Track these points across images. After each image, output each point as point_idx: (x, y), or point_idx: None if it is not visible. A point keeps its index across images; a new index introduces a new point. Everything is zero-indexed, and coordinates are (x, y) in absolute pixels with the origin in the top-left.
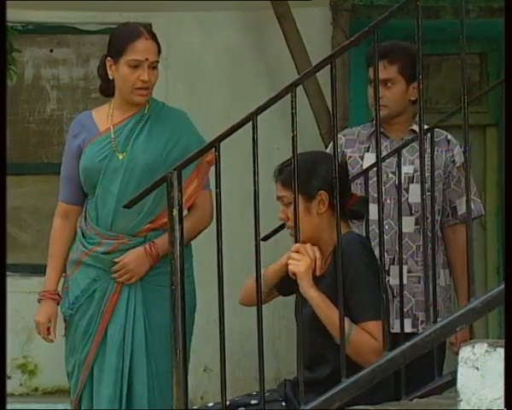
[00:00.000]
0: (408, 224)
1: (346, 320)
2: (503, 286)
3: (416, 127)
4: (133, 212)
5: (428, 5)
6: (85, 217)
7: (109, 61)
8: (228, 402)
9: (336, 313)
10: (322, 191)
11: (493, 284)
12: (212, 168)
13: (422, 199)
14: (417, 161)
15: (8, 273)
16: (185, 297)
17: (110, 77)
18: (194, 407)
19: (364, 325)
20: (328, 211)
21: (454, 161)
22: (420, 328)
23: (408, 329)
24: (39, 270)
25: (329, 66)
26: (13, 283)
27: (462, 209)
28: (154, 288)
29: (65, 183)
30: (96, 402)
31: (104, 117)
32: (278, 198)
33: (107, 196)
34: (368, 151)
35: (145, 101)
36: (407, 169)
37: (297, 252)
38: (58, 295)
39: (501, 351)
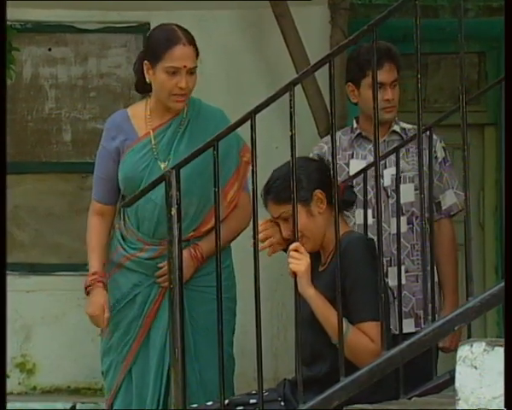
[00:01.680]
0: (401, 224)
1: (344, 321)
2: (501, 285)
3: (396, 128)
4: None
5: (427, 4)
6: (124, 220)
7: (146, 64)
8: (226, 401)
9: (334, 313)
10: (317, 191)
11: (491, 283)
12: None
13: (421, 197)
14: (402, 162)
15: (6, 272)
16: (227, 299)
17: (147, 80)
18: (193, 406)
19: (362, 326)
20: (328, 208)
21: (436, 157)
22: (423, 326)
23: (411, 328)
24: (38, 269)
25: (328, 65)
26: (11, 282)
27: (445, 204)
28: (198, 289)
29: (100, 183)
30: (136, 405)
31: (141, 119)
32: (276, 218)
33: (148, 204)
34: (352, 158)
35: (183, 106)
36: (392, 170)
37: (296, 251)
38: (104, 275)
39: (499, 350)
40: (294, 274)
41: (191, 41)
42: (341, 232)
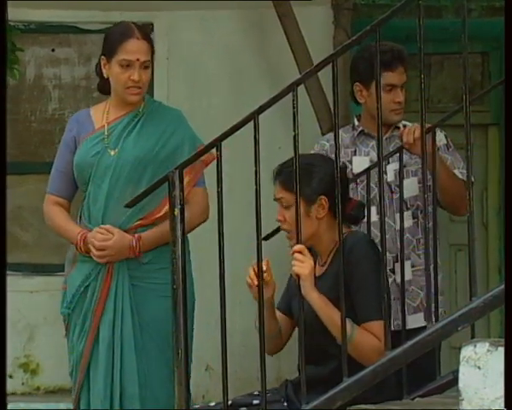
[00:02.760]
0: (405, 219)
1: (348, 322)
2: (504, 285)
3: (414, 125)
4: (122, 207)
5: (430, 4)
6: (80, 217)
7: (103, 59)
8: (230, 402)
9: (338, 315)
10: (322, 196)
11: (495, 284)
12: (212, 168)
13: (424, 194)
14: (405, 156)
15: (9, 273)
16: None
17: (105, 76)
18: (196, 407)
19: (368, 325)
20: (328, 215)
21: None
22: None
23: (421, 323)
24: (41, 269)
25: (331, 65)
26: (14, 282)
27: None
28: (145, 285)
29: (57, 176)
30: (92, 402)
31: (100, 114)
32: (276, 199)
33: (98, 192)
34: (355, 155)
35: (138, 99)
36: (396, 165)
37: (300, 253)
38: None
39: (503, 350)
40: (298, 277)
41: (145, 36)
42: (344, 232)
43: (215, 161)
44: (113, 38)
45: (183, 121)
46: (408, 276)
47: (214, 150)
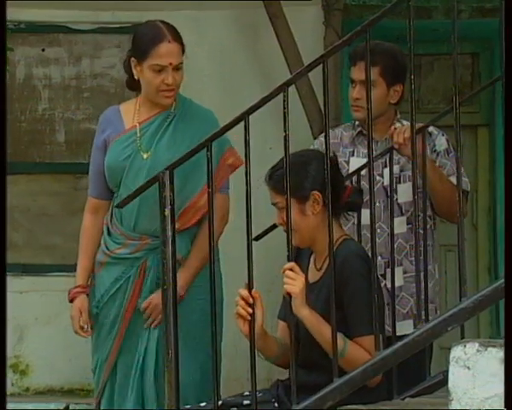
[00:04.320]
0: (400, 224)
1: (340, 336)
2: (494, 286)
3: (398, 126)
4: (155, 212)
5: (420, 5)
6: (111, 214)
7: (133, 61)
8: (220, 402)
9: (329, 330)
10: (314, 192)
11: (484, 284)
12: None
13: (414, 198)
14: (402, 160)
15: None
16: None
17: (136, 77)
18: (187, 407)
19: (360, 340)
20: (323, 210)
21: (435, 150)
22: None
23: (410, 330)
24: (31, 269)
25: (321, 65)
26: None
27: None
28: (188, 300)
29: (93, 178)
30: (118, 404)
31: (131, 113)
32: (273, 204)
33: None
34: (353, 155)
35: (172, 101)
36: (393, 169)
37: (291, 270)
38: (86, 287)
39: (492, 351)
40: (289, 294)
41: (176, 37)
42: (336, 236)
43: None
44: (143, 41)
45: (215, 123)
46: (399, 282)
47: (242, 156)
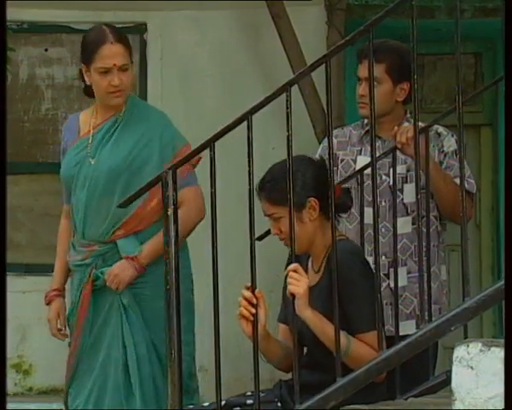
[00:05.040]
0: (405, 224)
1: (344, 334)
2: (497, 286)
3: (407, 125)
4: (100, 218)
5: (423, 5)
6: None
7: (83, 67)
8: (223, 402)
9: (333, 329)
10: (311, 198)
11: (488, 284)
12: (206, 167)
13: (417, 198)
14: (409, 160)
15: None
16: (186, 296)
17: (87, 82)
18: (190, 407)
19: (364, 337)
20: (320, 217)
21: (443, 151)
22: None
23: (412, 330)
24: (34, 269)
25: (324, 65)
26: (7, 282)
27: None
28: (137, 290)
29: (63, 186)
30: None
31: (87, 120)
32: (267, 216)
33: (78, 204)
34: (360, 154)
35: (121, 102)
36: (400, 169)
37: (295, 271)
38: (63, 290)
39: (495, 350)
40: (293, 295)
41: (119, 39)
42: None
43: (203, 161)
44: (88, 46)
45: (165, 125)
46: (402, 282)
47: (244, 156)
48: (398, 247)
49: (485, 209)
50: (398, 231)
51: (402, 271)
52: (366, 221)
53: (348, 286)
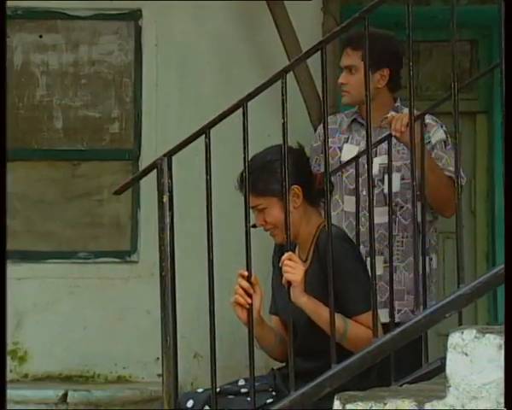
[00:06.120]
0: (384, 214)
1: (341, 317)
2: (492, 272)
3: (392, 114)
4: None
5: None
6: None
7: None
8: (218, 389)
9: (327, 313)
10: (293, 186)
11: (482, 270)
12: (201, 155)
13: (413, 184)
14: (393, 150)
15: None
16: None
17: None
18: (184, 392)
19: (360, 318)
20: (303, 204)
21: (430, 142)
22: (397, 317)
23: (385, 319)
24: (29, 256)
25: (320, 52)
26: None
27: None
28: None
29: None
30: None
31: None
32: (252, 208)
33: None
34: (347, 142)
35: None
36: (382, 160)
37: (290, 260)
38: None
39: (490, 337)
40: (288, 283)
41: None
42: (318, 223)
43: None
44: None
45: None
46: (379, 271)
47: (240, 142)
48: (376, 236)
49: (480, 196)
50: (378, 221)
51: (379, 260)
52: (347, 209)
53: (339, 270)
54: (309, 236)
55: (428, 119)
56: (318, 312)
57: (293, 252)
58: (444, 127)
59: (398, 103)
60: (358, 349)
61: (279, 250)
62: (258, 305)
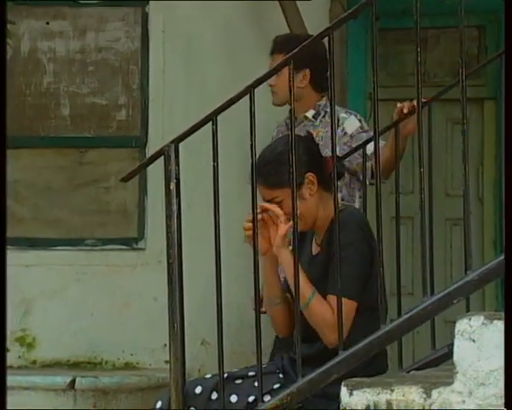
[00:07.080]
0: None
1: (309, 286)
2: (499, 259)
3: (309, 113)
4: None
5: None
6: None
7: None
8: (226, 375)
9: (303, 277)
10: (308, 174)
11: (490, 257)
12: (208, 141)
13: (420, 168)
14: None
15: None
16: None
17: None
18: (191, 379)
19: (330, 297)
20: (319, 190)
21: (345, 133)
22: None
23: None
24: (36, 243)
25: (327, 38)
26: (10, 256)
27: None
28: None
29: None
30: None
31: None
32: (268, 201)
33: None
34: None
35: None
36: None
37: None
38: None
39: (497, 323)
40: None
41: None
42: (341, 207)
43: (206, 134)
44: None
45: None
46: None
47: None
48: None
49: (488, 183)
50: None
51: None
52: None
53: (341, 249)
54: (326, 221)
55: (341, 113)
56: (291, 270)
57: (311, 239)
58: (358, 116)
59: (322, 102)
60: (314, 325)
61: (301, 238)
62: (284, 230)
